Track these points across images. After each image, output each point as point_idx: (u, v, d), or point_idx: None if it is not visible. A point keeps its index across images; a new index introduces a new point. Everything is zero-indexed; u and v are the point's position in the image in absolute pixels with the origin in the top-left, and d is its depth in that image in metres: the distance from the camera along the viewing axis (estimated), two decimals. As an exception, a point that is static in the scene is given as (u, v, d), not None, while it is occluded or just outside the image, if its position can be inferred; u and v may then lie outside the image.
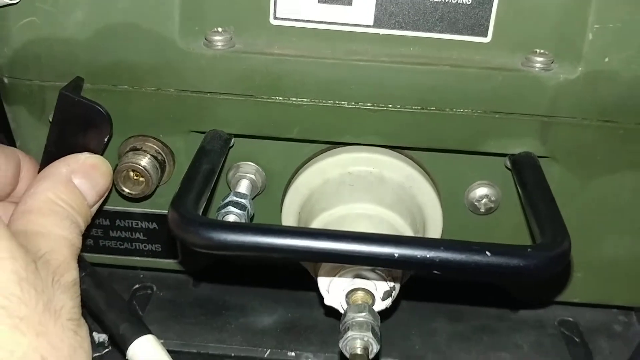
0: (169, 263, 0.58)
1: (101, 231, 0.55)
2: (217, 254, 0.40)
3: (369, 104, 0.48)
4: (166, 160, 0.51)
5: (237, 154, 0.53)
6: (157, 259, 0.57)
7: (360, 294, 0.45)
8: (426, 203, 0.51)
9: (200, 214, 0.42)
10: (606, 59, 0.46)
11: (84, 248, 0.50)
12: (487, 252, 0.38)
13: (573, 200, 0.51)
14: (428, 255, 0.37)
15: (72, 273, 0.39)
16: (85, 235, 0.47)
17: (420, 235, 0.50)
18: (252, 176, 0.53)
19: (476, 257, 0.38)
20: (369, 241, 0.38)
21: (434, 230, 0.52)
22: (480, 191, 0.53)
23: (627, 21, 0.45)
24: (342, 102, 0.48)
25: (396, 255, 0.38)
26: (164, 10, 0.46)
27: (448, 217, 0.53)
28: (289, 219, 0.53)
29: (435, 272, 0.38)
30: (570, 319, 0.60)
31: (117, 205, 0.54)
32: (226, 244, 0.38)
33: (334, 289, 0.46)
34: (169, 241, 0.55)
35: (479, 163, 0.52)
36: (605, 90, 0.47)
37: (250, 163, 0.53)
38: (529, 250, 0.38)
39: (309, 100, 0.48)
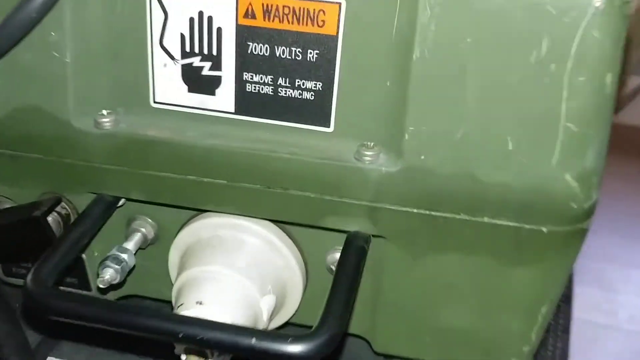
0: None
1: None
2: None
3: (224, 181, 0.56)
4: (71, 215, 0.61)
5: (136, 209, 0.61)
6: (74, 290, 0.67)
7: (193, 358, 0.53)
8: (286, 266, 0.58)
9: (54, 279, 0.52)
10: (422, 157, 0.51)
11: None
12: (253, 339, 0.45)
13: (407, 274, 0.57)
14: (202, 336, 0.46)
15: None
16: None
17: (273, 296, 0.58)
18: (144, 229, 0.61)
19: (244, 341, 0.45)
20: (157, 319, 0.47)
21: (294, 292, 0.60)
22: (336, 256, 0.59)
23: (438, 127, 0.50)
24: (202, 178, 0.56)
25: (180, 335, 0.46)
26: (59, 96, 0.56)
27: (313, 278, 0.60)
28: (172, 270, 0.61)
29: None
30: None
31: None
32: (52, 310, 0.49)
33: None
34: (82, 276, 0.65)
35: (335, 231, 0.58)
36: (423, 184, 0.52)
37: (146, 217, 0.62)
38: (289, 340, 0.45)
39: (175, 174, 0.56)
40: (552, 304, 0.56)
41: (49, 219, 0.59)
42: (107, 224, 0.60)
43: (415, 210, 0.53)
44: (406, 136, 0.51)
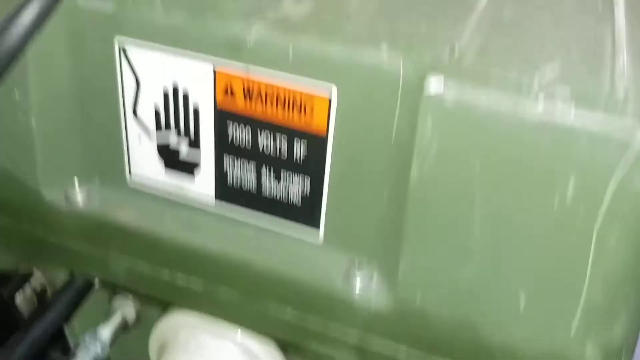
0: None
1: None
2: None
3: (201, 280, 0.48)
4: (47, 289, 0.54)
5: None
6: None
7: None
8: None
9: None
10: (418, 295, 0.41)
11: None
12: None
13: None
14: None
15: None
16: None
17: None
18: (124, 311, 0.55)
19: None
20: None
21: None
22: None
23: (437, 263, 0.40)
24: (177, 273, 0.49)
25: None
26: (27, 162, 0.49)
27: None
28: (153, 358, 0.54)
29: None
30: None
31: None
32: None
33: None
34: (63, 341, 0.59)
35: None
36: (419, 326, 0.42)
37: (127, 296, 0.55)
38: None
39: (149, 264, 0.49)
40: None
41: (19, 296, 0.53)
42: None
43: (408, 356, 0.43)
44: (401, 265, 0.41)
